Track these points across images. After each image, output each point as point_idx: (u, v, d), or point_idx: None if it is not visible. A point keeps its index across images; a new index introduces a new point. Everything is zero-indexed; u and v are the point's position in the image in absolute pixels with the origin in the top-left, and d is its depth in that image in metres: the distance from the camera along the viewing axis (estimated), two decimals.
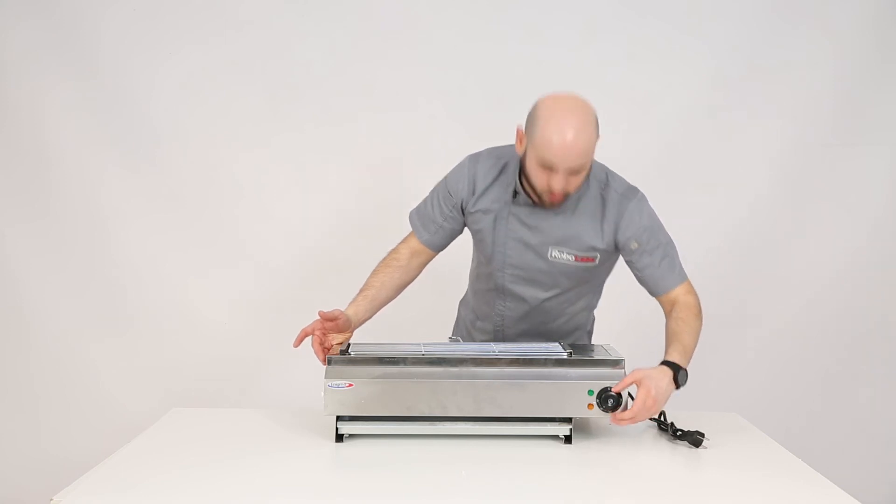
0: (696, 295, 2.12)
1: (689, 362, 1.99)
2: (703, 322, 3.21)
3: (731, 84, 3.18)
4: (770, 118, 3.19)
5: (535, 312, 2.20)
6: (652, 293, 2.14)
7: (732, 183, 3.22)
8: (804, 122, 3.19)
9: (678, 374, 1.91)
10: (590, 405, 1.86)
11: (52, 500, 1.57)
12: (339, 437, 1.88)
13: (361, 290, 2.16)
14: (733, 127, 3.20)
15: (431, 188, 2.23)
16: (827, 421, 3.23)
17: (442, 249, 2.25)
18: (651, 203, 3.30)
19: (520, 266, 2.14)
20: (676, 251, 2.14)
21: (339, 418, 1.88)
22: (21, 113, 3.15)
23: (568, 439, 1.89)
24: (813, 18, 3.16)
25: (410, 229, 2.24)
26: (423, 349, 1.96)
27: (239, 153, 3.21)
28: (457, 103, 3.20)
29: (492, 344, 2.09)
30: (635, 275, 2.13)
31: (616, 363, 1.89)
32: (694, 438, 1.89)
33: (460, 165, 2.18)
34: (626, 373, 1.88)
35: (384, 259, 2.22)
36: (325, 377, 1.85)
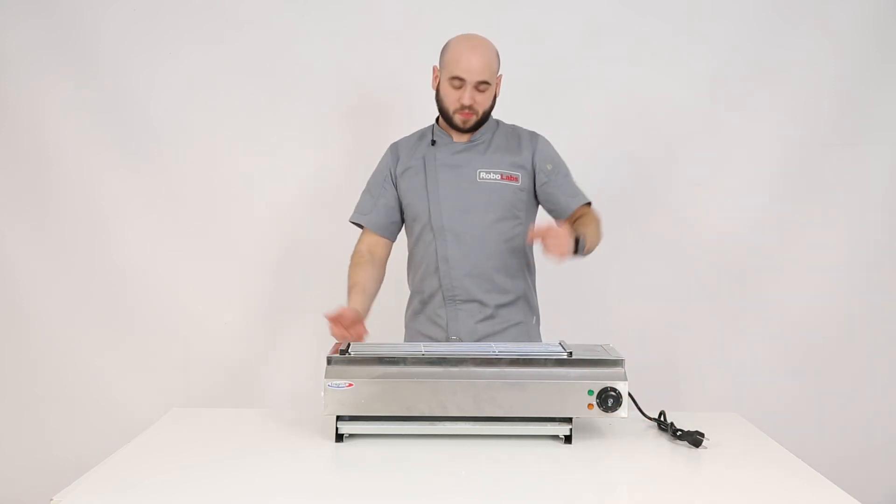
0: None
1: (587, 250, 2.19)
2: (702, 320, 3.24)
3: (731, 84, 3.18)
4: (770, 118, 3.19)
5: (474, 246, 2.33)
6: (563, 212, 2.37)
7: (732, 183, 3.21)
8: (804, 122, 3.19)
9: (578, 242, 2.13)
10: (590, 405, 1.86)
11: (52, 500, 1.57)
12: (339, 437, 1.88)
13: (351, 289, 2.30)
14: (733, 127, 3.20)
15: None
16: (827, 421, 3.23)
17: (388, 233, 2.44)
18: (650, 203, 3.32)
19: (453, 196, 2.34)
20: None
21: (339, 418, 1.88)
22: (21, 113, 3.15)
23: (568, 439, 1.89)
24: (813, 18, 3.15)
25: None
26: (423, 349, 1.97)
27: (239, 153, 3.20)
28: None
29: (492, 344, 2.10)
30: (549, 197, 2.37)
31: (616, 363, 1.89)
32: (694, 438, 1.89)
33: (384, 154, 2.48)
34: (626, 373, 1.88)
35: (350, 264, 2.39)
36: (325, 377, 1.85)
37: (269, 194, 3.22)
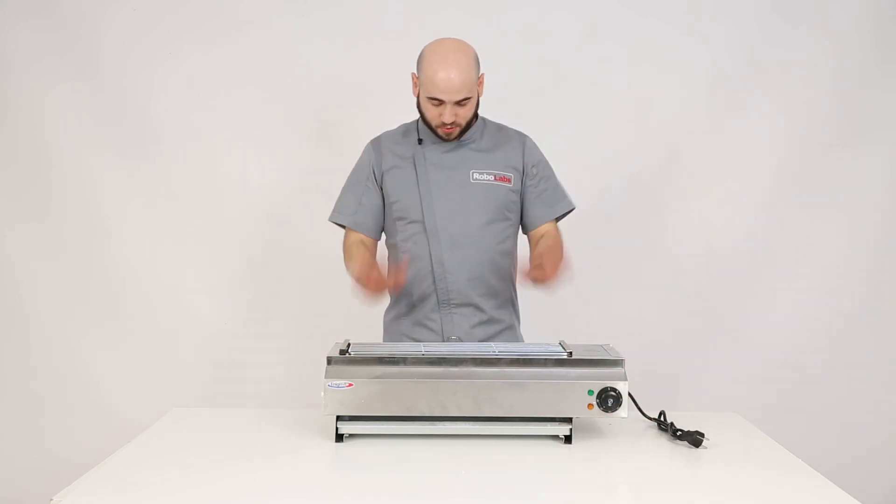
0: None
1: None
2: (702, 320, 3.24)
3: (731, 84, 3.18)
4: (770, 118, 3.19)
5: (470, 249, 2.29)
6: (531, 224, 2.37)
7: (732, 183, 3.22)
8: (804, 122, 3.19)
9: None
10: (590, 405, 1.86)
11: (52, 500, 1.57)
12: (339, 437, 1.88)
13: (359, 268, 2.26)
14: (733, 127, 3.20)
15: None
16: (827, 421, 3.23)
17: (374, 233, 2.39)
18: (651, 203, 3.32)
19: (447, 197, 2.30)
20: None
21: (339, 418, 1.88)
22: (21, 113, 3.15)
23: (568, 439, 1.89)
24: (813, 18, 3.16)
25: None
26: (423, 349, 1.96)
27: (239, 153, 3.20)
28: None
29: (492, 344, 2.09)
30: (529, 201, 2.34)
31: (616, 363, 1.89)
32: (694, 438, 1.89)
33: (364, 150, 2.41)
34: (626, 373, 1.88)
35: (345, 259, 2.36)
36: (325, 377, 1.85)
37: (269, 194, 3.22)
